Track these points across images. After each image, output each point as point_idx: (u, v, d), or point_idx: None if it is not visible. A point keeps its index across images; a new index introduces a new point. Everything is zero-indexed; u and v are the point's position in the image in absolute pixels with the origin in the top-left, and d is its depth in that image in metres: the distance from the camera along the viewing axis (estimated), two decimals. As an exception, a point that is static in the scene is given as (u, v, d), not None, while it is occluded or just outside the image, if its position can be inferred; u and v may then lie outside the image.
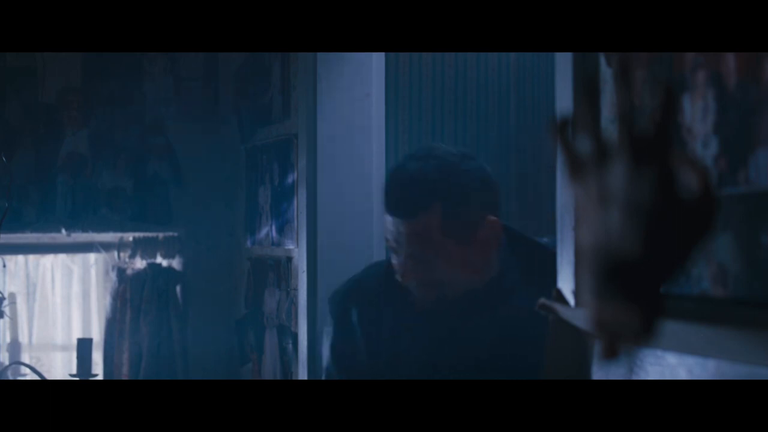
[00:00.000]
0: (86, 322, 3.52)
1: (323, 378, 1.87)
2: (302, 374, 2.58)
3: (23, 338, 3.40)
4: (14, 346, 3.28)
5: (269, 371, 2.88)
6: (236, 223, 3.20)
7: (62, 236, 3.06)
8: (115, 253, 3.15)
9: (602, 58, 1.24)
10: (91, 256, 3.37)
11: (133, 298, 3.11)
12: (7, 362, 3.14)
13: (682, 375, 1.10)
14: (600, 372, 1.18)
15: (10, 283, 3.36)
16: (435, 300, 1.70)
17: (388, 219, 1.69)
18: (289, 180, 2.72)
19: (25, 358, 3.33)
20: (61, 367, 3.47)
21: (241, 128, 3.15)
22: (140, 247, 3.14)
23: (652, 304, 0.78)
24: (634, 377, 1.16)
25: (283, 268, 2.79)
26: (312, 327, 2.53)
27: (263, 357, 2.93)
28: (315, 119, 2.56)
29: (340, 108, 2.57)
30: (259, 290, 2.98)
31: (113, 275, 3.15)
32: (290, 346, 2.71)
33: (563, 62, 1.32)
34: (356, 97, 2.58)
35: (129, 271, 3.14)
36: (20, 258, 3.42)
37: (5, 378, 2.94)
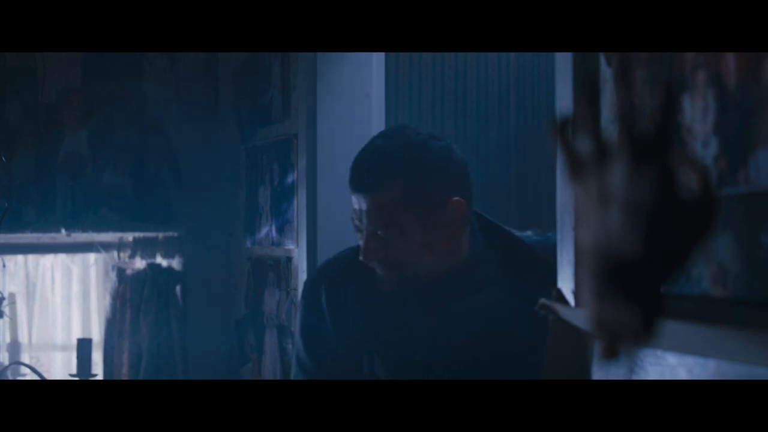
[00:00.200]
0: (86, 322, 3.52)
1: (294, 360, 1.86)
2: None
3: (23, 338, 3.39)
4: (14, 346, 3.28)
5: (269, 371, 2.87)
6: (236, 223, 3.20)
7: (62, 236, 3.06)
8: (115, 253, 3.15)
9: (602, 58, 1.24)
10: (91, 256, 3.37)
11: (132, 298, 3.11)
12: (6, 362, 3.14)
13: (682, 375, 1.10)
14: (600, 372, 1.18)
15: (9, 283, 3.36)
16: (398, 281, 1.68)
17: (353, 198, 1.69)
18: (289, 180, 2.72)
19: (25, 358, 3.33)
20: (60, 367, 3.47)
21: (241, 128, 3.15)
22: (140, 247, 3.14)
23: (652, 304, 0.78)
24: (634, 377, 1.16)
25: (283, 268, 2.79)
26: (312, 327, 2.53)
27: (263, 357, 2.93)
28: (315, 119, 2.56)
29: (340, 108, 2.57)
30: (259, 290, 2.98)
31: (113, 275, 3.15)
32: (290, 346, 2.71)
33: (563, 62, 1.32)
34: (356, 97, 2.58)
35: (129, 271, 3.13)
36: (20, 258, 3.42)
37: (5, 378, 2.94)
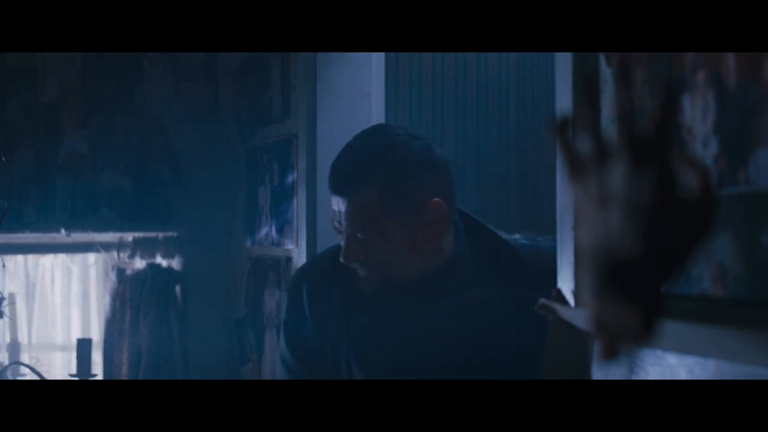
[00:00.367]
0: (86, 322, 3.51)
1: (278, 358, 1.85)
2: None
3: (23, 338, 3.39)
4: (14, 346, 3.27)
5: (269, 371, 2.87)
6: (236, 223, 3.20)
7: (62, 236, 3.06)
8: (115, 253, 3.15)
9: (602, 58, 1.24)
10: (91, 256, 3.37)
11: (132, 298, 3.11)
12: (6, 362, 3.14)
13: (682, 375, 1.10)
14: (600, 372, 1.18)
15: (9, 283, 3.36)
16: (379, 281, 1.67)
17: (332, 199, 1.68)
18: (289, 180, 2.72)
19: (25, 358, 3.33)
20: (60, 367, 3.47)
21: (241, 128, 3.15)
22: (140, 247, 3.14)
23: (652, 304, 0.78)
24: (634, 377, 1.16)
25: (283, 268, 2.79)
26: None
27: (263, 357, 2.93)
28: (315, 119, 2.56)
29: (340, 108, 2.57)
30: (259, 290, 2.98)
31: (113, 275, 3.15)
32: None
33: (563, 62, 1.32)
34: (356, 97, 2.58)
35: (129, 271, 3.13)
36: (20, 258, 3.41)
37: (5, 378, 2.94)
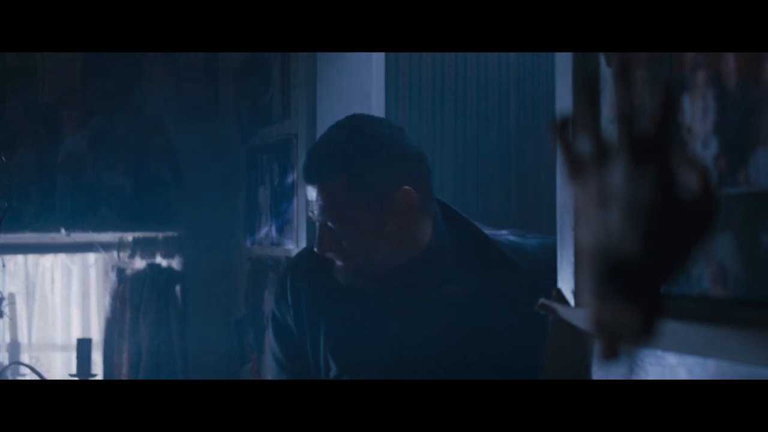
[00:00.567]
0: (86, 322, 3.51)
1: (269, 352, 1.86)
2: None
3: (23, 338, 3.39)
4: (14, 346, 3.28)
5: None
6: (236, 223, 3.20)
7: (62, 236, 3.06)
8: (115, 253, 3.15)
9: (602, 58, 1.24)
10: (91, 256, 3.37)
11: (132, 299, 3.11)
12: (6, 362, 3.14)
13: (682, 375, 1.10)
14: (600, 372, 1.18)
15: (9, 283, 3.36)
16: (355, 272, 1.67)
17: (306, 188, 1.69)
18: (289, 180, 2.72)
19: (25, 358, 3.33)
20: (60, 367, 3.47)
21: (241, 128, 3.15)
22: (140, 247, 3.14)
23: (652, 304, 0.78)
24: (634, 377, 1.16)
25: (283, 268, 2.78)
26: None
27: (263, 357, 2.93)
28: (315, 119, 2.56)
29: (340, 108, 2.57)
30: (259, 290, 2.98)
31: (113, 275, 3.15)
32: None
33: (563, 62, 1.32)
34: (356, 97, 2.58)
35: (129, 271, 3.14)
36: (20, 258, 3.42)
37: (5, 378, 2.94)
